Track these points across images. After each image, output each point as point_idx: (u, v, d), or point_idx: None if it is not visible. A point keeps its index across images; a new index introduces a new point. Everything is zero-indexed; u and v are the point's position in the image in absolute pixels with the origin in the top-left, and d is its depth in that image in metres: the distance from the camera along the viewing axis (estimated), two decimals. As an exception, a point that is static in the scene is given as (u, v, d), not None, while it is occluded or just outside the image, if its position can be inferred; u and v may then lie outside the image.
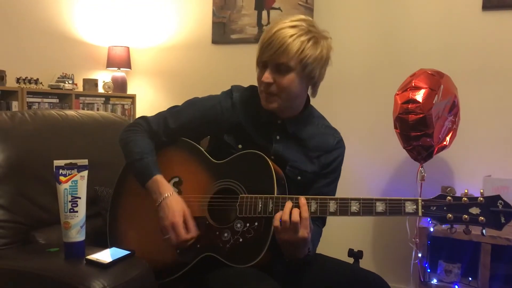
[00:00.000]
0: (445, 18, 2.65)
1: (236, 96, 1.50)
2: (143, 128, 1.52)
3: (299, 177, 1.48)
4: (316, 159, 1.50)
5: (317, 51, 1.37)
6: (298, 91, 1.41)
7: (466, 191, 1.23)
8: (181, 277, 1.40)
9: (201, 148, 1.50)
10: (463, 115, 2.38)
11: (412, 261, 2.41)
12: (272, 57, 1.34)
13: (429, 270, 2.23)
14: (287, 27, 1.34)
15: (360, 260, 1.70)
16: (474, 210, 1.18)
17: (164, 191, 1.40)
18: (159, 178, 1.43)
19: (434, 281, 2.19)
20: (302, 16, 1.41)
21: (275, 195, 1.34)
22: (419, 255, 2.18)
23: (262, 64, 1.39)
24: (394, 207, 1.25)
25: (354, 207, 1.28)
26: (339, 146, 1.54)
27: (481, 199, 1.18)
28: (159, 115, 1.55)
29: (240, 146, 1.46)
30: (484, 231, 1.19)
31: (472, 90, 2.56)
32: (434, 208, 1.21)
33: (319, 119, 1.56)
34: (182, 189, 1.47)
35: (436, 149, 2.21)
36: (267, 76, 1.36)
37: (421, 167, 2.26)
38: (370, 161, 2.85)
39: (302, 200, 1.30)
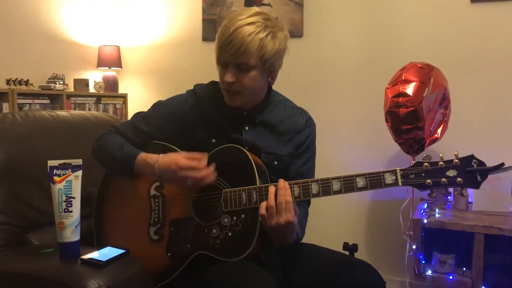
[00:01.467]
0: (434, 11, 2.67)
1: (200, 93, 1.51)
2: (112, 132, 1.53)
3: (275, 162, 1.50)
4: (289, 141, 1.52)
5: (275, 45, 1.38)
6: (260, 86, 1.45)
7: (441, 155, 1.26)
8: (176, 279, 1.40)
9: (176, 149, 1.50)
10: (454, 107, 2.39)
11: (406, 253, 2.42)
12: (232, 57, 1.35)
13: (423, 262, 2.24)
14: (244, 24, 1.34)
15: (355, 253, 1.71)
16: (451, 173, 1.22)
17: (153, 160, 1.39)
18: (143, 154, 1.43)
19: (429, 272, 2.21)
20: (257, 9, 1.42)
21: (258, 185, 1.35)
22: (413, 247, 2.20)
23: (223, 64, 1.39)
24: (374, 180, 1.27)
25: (336, 186, 1.30)
26: (308, 124, 1.57)
27: (456, 160, 1.22)
28: (126, 122, 1.56)
29: (213, 140, 1.48)
30: (463, 192, 1.24)
31: (462, 82, 2.58)
32: (413, 176, 1.24)
33: (284, 102, 1.58)
34: (164, 192, 1.47)
35: (427, 142, 2.22)
36: (230, 76, 1.37)
37: (413, 160, 2.27)
38: (362, 155, 2.86)
39: (282, 183, 1.32)
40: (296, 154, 1.54)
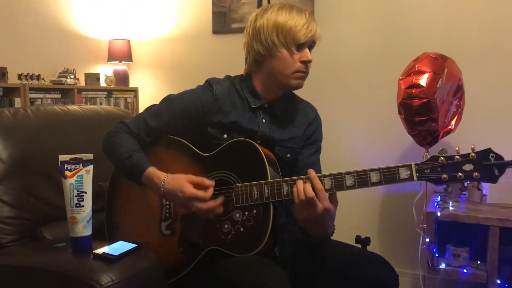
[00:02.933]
0: (447, 0, 2.62)
1: (217, 88, 1.50)
2: (123, 130, 1.52)
3: (288, 155, 1.52)
4: (302, 133, 1.56)
5: None
6: None
7: (457, 149, 1.23)
8: (188, 274, 1.40)
9: (187, 143, 1.50)
10: (468, 98, 2.35)
11: (420, 246, 2.40)
12: (313, 37, 1.43)
13: (437, 255, 2.22)
14: (304, 10, 1.45)
15: (367, 246, 1.70)
16: (468, 167, 1.19)
17: (160, 179, 1.39)
18: (152, 170, 1.42)
19: (443, 265, 2.19)
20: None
21: (269, 180, 1.34)
22: (427, 240, 2.17)
23: (300, 45, 1.43)
24: (389, 175, 1.24)
25: (349, 181, 1.27)
26: (316, 118, 1.62)
27: (473, 154, 1.19)
28: (138, 117, 1.55)
29: (225, 136, 1.47)
30: (479, 186, 1.21)
31: (476, 73, 2.54)
32: (428, 170, 1.21)
33: (295, 96, 1.62)
34: None
35: (441, 134, 2.19)
36: (310, 54, 1.45)
37: (427, 152, 2.24)
38: (375, 147, 2.83)
39: (312, 173, 1.30)
40: (305, 145, 1.57)
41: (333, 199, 1.31)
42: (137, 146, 1.49)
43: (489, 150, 1.19)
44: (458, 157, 1.20)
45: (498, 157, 1.18)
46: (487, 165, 1.18)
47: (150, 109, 1.54)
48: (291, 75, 1.44)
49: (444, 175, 1.20)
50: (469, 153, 1.19)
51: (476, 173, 1.18)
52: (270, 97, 1.50)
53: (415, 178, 1.22)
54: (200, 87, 1.53)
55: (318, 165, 1.60)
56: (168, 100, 1.53)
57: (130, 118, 1.57)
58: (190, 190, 1.35)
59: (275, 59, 1.43)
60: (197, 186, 1.37)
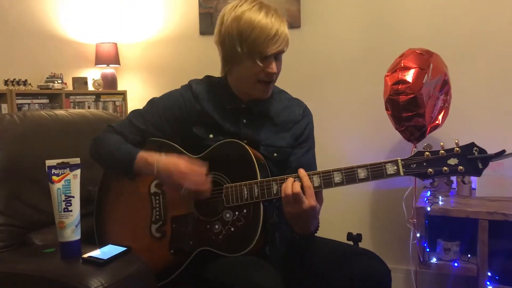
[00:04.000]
0: (432, -3, 2.64)
1: (195, 87, 1.50)
2: (109, 132, 1.52)
3: (275, 154, 1.50)
4: (288, 132, 1.52)
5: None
6: None
7: (442, 144, 1.25)
8: (180, 275, 1.40)
9: (175, 145, 1.50)
10: (455, 93, 2.37)
11: (410, 241, 2.42)
12: (279, 49, 1.38)
13: (428, 250, 2.23)
14: (272, 15, 1.37)
15: (359, 243, 1.71)
16: (452, 161, 1.22)
17: (153, 158, 1.39)
18: (144, 153, 1.42)
19: (434, 260, 2.20)
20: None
21: (259, 179, 1.35)
22: (418, 235, 2.19)
23: (266, 57, 1.37)
24: (376, 171, 1.27)
25: (337, 178, 1.30)
26: (305, 114, 1.57)
27: (457, 149, 1.22)
28: (123, 120, 1.55)
29: (211, 136, 1.47)
30: (464, 179, 1.24)
31: (462, 68, 2.56)
32: (414, 165, 1.25)
33: (280, 94, 1.58)
34: (165, 189, 1.46)
35: (428, 129, 2.20)
36: (278, 66, 1.41)
37: (415, 147, 2.26)
38: (364, 144, 2.84)
39: (302, 171, 1.32)
40: (296, 145, 1.54)
41: (319, 198, 1.32)
42: (125, 141, 1.49)
43: (472, 144, 1.22)
44: (443, 151, 1.23)
45: (482, 150, 1.21)
46: (471, 158, 1.21)
47: (135, 112, 1.55)
48: (254, 85, 1.42)
49: (430, 170, 1.23)
50: (453, 148, 1.22)
51: (460, 167, 1.21)
52: (246, 98, 1.49)
53: (401, 173, 1.25)
54: (182, 87, 1.55)
55: (313, 164, 1.58)
56: (152, 102, 1.54)
57: (116, 122, 1.57)
58: (185, 163, 1.36)
59: (241, 68, 1.41)
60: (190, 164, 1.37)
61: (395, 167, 1.25)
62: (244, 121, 1.49)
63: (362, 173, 1.27)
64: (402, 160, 1.25)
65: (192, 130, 1.48)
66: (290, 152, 1.54)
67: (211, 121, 1.48)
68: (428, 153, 1.24)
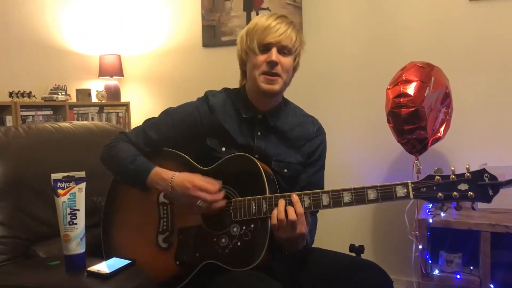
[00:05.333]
0: (433, 10, 2.66)
1: (212, 100, 1.52)
2: (122, 140, 1.53)
3: (285, 170, 1.51)
4: (300, 148, 1.53)
5: (302, 43, 1.49)
6: (290, 76, 1.50)
7: (452, 168, 1.25)
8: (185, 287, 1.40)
9: (186, 157, 1.51)
10: (456, 105, 2.38)
11: (413, 253, 2.42)
12: (279, 39, 1.41)
13: (430, 262, 2.23)
14: (280, 19, 1.44)
15: (361, 255, 1.71)
16: (463, 186, 1.21)
17: (168, 175, 1.41)
18: (158, 169, 1.43)
19: (436, 272, 2.20)
20: (279, 14, 1.49)
21: (267, 194, 1.35)
22: (420, 247, 2.19)
23: (265, 46, 1.42)
24: (386, 193, 1.27)
25: (347, 197, 1.29)
26: (319, 133, 1.59)
27: (468, 174, 1.21)
28: (137, 128, 1.56)
29: (223, 149, 1.48)
30: (474, 205, 1.23)
31: (463, 81, 2.57)
32: (424, 189, 1.24)
33: (296, 109, 1.60)
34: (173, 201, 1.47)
35: (430, 141, 2.21)
36: (276, 55, 1.42)
37: (417, 159, 2.27)
38: (366, 156, 2.85)
39: (295, 197, 1.32)
40: (308, 163, 1.55)
41: (307, 219, 1.33)
42: (139, 152, 1.50)
43: (483, 171, 1.21)
44: (453, 176, 1.22)
45: (492, 177, 1.20)
46: (482, 185, 1.20)
47: (150, 121, 1.56)
48: (258, 77, 1.44)
49: (440, 194, 1.22)
50: (464, 173, 1.21)
51: (471, 193, 1.20)
52: (263, 108, 1.50)
53: (411, 196, 1.24)
54: (198, 99, 1.56)
55: (322, 183, 1.59)
56: (167, 113, 1.55)
57: (129, 130, 1.59)
58: (200, 178, 1.37)
59: (249, 64, 1.47)
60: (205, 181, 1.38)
61: (405, 190, 1.25)
62: (259, 133, 1.50)
63: (371, 194, 1.27)
64: (412, 183, 1.25)
65: (206, 142, 1.49)
66: (300, 170, 1.54)
67: (225, 134, 1.49)
68: (438, 177, 1.23)
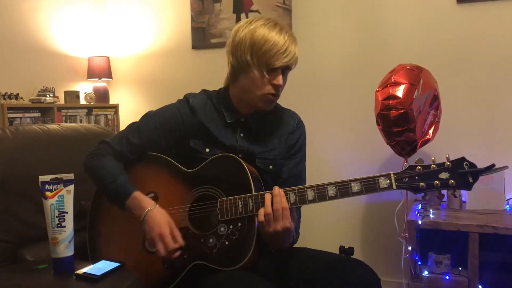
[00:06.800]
0: (422, 13, 2.69)
1: (193, 101, 1.52)
2: (106, 151, 1.51)
3: (270, 167, 1.52)
4: (283, 143, 1.55)
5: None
6: None
7: (433, 158, 1.28)
8: None
9: (170, 159, 1.50)
10: (445, 107, 2.41)
11: (402, 255, 2.43)
12: (289, 63, 1.41)
13: (420, 263, 2.25)
14: (286, 31, 1.42)
15: (351, 256, 1.72)
16: (444, 175, 1.24)
17: (146, 205, 1.40)
18: (137, 194, 1.42)
19: (426, 273, 2.21)
20: (272, 19, 1.47)
21: (253, 193, 1.36)
22: (409, 248, 2.20)
23: (274, 70, 1.40)
24: (369, 185, 1.28)
25: (331, 191, 1.31)
26: (299, 125, 1.61)
27: (448, 163, 1.24)
28: (120, 134, 1.55)
29: (207, 149, 1.48)
30: (455, 193, 1.26)
31: (452, 83, 2.60)
32: (406, 179, 1.26)
33: (277, 104, 1.60)
34: (159, 204, 1.46)
35: (419, 143, 2.23)
36: (282, 80, 1.42)
37: (406, 161, 2.28)
38: (355, 158, 2.86)
39: (277, 190, 1.33)
40: (288, 155, 1.56)
41: (292, 216, 1.34)
42: (121, 168, 1.49)
43: (462, 159, 1.24)
44: (434, 166, 1.25)
45: (472, 165, 1.24)
46: (462, 173, 1.23)
47: (132, 125, 1.55)
48: (260, 96, 1.43)
49: (422, 183, 1.25)
50: (444, 162, 1.25)
51: (451, 181, 1.23)
52: (246, 111, 1.50)
53: (394, 186, 1.27)
54: (178, 101, 1.55)
55: (303, 175, 1.60)
56: (148, 116, 1.54)
57: (112, 136, 1.57)
58: (166, 230, 1.36)
59: (248, 77, 1.43)
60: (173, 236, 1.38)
61: (388, 181, 1.27)
62: (241, 134, 1.50)
63: (355, 187, 1.29)
64: (394, 174, 1.27)
65: (189, 144, 1.49)
66: (283, 163, 1.55)
67: (208, 135, 1.49)
68: (420, 167, 1.26)
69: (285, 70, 1.43)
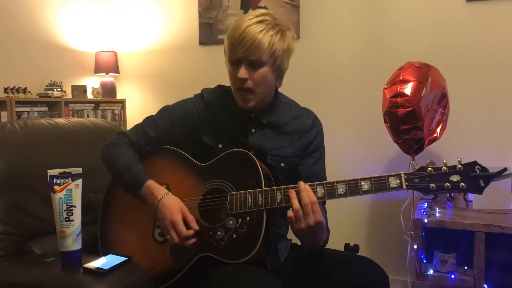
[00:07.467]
0: (430, 11, 2.67)
1: (207, 96, 1.53)
2: (123, 142, 1.53)
3: (282, 164, 1.51)
4: (296, 141, 1.53)
5: (285, 43, 1.42)
6: (271, 83, 1.47)
7: (444, 161, 1.27)
8: (180, 280, 1.41)
9: (184, 153, 1.52)
10: (453, 106, 2.39)
11: (408, 253, 2.42)
12: (245, 54, 1.38)
13: (425, 261, 2.24)
14: (255, 23, 1.38)
15: (356, 254, 1.72)
16: (455, 178, 1.24)
17: (159, 193, 1.41)
18: (151, 183, 1.44)
19: (431, 271, 2.21)
20: (265, 10, 1.45)
21: (264, 188, 1.36)
22: (415, 246, 2.20)
23: (235, 62, 1.41)
24: (379, 184, 1.28)
25: (341, 189, 1.30)
26: (315, 124, 1.58)
27: (460, 166, 1.24)
28: (137, 126, 1.57)
29: (220, 146, 1.49)
30: (466, 196, 1.26)
31: (460, 81, 2.59)
32: (417, 180, 1.26)
33: (290, 103, 1.60)
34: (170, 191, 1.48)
35: (426, 142, 2.22)
36: (244, 72, 1.39)
37: (413, 159, 2.28)
38: (362, 156, 2.86)
39: (303, 185, 1.31)
40: (305, 155, 1.55)
41: (322, 211, 1.33)
42: (136, 158, 1.51)
43: (474, 163, 1.24)
44: (445, 168, 1.25)
45: (483, 169, 1.23)
46: (473, 176, 1.22)
47: (149, 118, 1.57)
48: (235, 92, 1.45)
49: (432, 185, 1.24)
50: (456, 165, 1.23)
51: (462, 184, 1.22)
52: (256, 108, 1.50)
53: (404, 186, 1.26)
54: (195, 95, 1.57)
55: (322, 173, 1.58)
56: (165, 109, 1.57)
57: (130, 128, 1.59)
58: (179, 217, 1.36)
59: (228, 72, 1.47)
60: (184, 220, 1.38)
61: (398, 181, 1.26)
62: (253, 130, 1.50)
63: (365, 185, 1.28)
64: (405, 174, 1.27)
65: (203, 139, 1.50)
66: (297, 162, 1.54)
67: (222, 131, 1.50)
68: (431, 169, 1.25)
69: (250, 63, 1.39)
